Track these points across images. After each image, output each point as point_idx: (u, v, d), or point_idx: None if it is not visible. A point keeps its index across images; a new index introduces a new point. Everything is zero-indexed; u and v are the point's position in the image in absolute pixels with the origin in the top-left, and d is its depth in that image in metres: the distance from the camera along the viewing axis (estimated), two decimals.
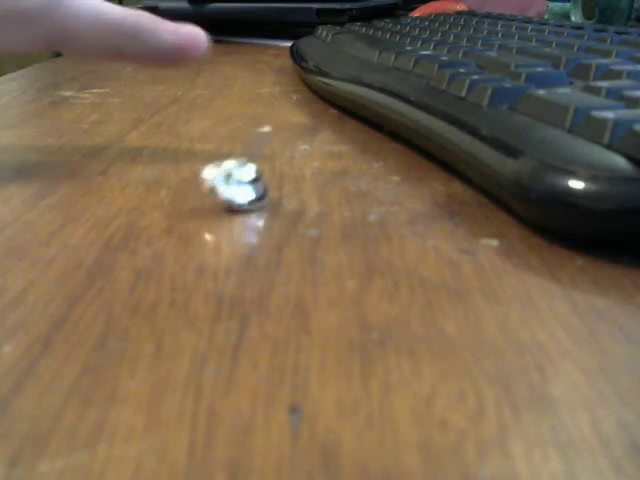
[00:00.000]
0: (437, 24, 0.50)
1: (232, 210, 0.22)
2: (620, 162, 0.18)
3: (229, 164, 0.21)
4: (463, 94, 0.26)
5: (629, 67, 0.27)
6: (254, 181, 0.22)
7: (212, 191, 0.21)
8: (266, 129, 0.23)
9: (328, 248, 0.19)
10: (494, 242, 0.20)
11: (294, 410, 0.12)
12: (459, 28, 0.47)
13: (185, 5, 0.70)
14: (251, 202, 0.22)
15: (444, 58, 0.32)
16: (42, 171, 0.26)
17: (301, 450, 0.11)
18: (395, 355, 0.14)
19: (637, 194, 0.18)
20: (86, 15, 0.27)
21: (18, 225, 0.21)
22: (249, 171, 0.21)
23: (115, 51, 0.27)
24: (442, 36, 0.42)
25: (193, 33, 0.27)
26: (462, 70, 0.29)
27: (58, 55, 0.63)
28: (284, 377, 0.13)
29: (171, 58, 0.27)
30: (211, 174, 0.21)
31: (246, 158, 0.22)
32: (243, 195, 0.21)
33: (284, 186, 0.24)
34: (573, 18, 0.61)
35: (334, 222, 0.21)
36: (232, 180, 0.21)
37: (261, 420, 0.12)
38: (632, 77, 0.26)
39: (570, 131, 0.21)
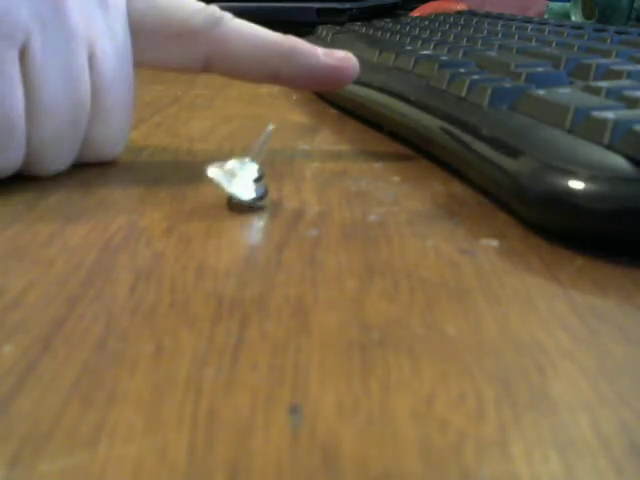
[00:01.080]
0: (437, 24, 0.50)
1: (236, 207, 0.22)
2: (620, 162, 0.18)
3: (232, 163, 0.22)
4: (463, 94, 0.26)
5: (629, 67, 0.27)
6: (258, 180, 0.22)
7: (219, 188, 0.22)
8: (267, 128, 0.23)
9: (328, 248, 0.19)
10: (494, 242, 0.20)
11: (294, 410, 0.12)
12: (459, 28, 0.47)
13: None
14: (255, 200, 0.22)
15: (444, 58, 0.32)
16: None
17: (301, 450, 0.11)
18: (395, 355, 0.14)
19: (637, 194, 0.18)
20: (245, 36, 0.27)
21: (18, 225, 0.21)
22: (253, 170, 0.22)
23: (272, 72, 0.28)
24: (442, 36, 0.42)
25: (347, 56, 0.28)
26: (462, 70, 0.29)
27: None
28: (284, 377, 0.13)
29: (327, 80, 0.28)
30: (216, 172, 0.21)
31: (249, 157, 0.22)
32: (247, 193, 0.22)
33: (284, 186, 0.24)
34: (573, 18, 0.61)
35: (334, 222, 0.21)
36: (237, 178, 0.22)
37: (261, 420, 0.12)
38: (632, 77, 0.26)
39: (570, 131, 0.21)
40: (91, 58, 0.24)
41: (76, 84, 0.23)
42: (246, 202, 0.22)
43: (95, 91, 0.24)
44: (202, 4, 0.27)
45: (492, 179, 0.22)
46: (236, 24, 0.27)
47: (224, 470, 0.11)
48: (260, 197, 0.22)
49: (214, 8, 0.27)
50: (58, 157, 0.24)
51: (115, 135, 0.26)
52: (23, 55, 0.22)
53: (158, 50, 0.27)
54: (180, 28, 0.27)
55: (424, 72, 0.32)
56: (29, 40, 0.22)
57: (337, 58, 0.28)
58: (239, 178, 0.22)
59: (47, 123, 0.23)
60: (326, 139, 0.32)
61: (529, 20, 0.51)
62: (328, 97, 0.39)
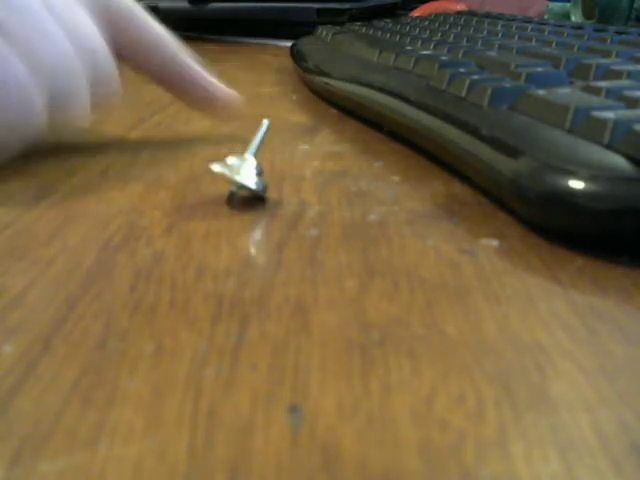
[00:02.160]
0: (437, 24, 0.50)
1: (236, 203, 0.22)
2: (620, 162, 0.18)
3: (232, 160, 0.22)
4: (463, 94, 0.26)
5: (629, 67, 0.27)
6: (258, 174, 0.22)
7: (225, 179, 0.22)
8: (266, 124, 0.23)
9: (328, 248, 0.19)
10: (494, 242, 0.20)
11: (294, 410, 0.12)
12: (459, 28, 0.47)
13: (185, 5, 0.70)
14: (262, 190, 0.22)
15: (444, 58, 0.32)
16: (42, 171, 0.26)
17: (301, 450, 0.11)
18: (395, 355, 0.14)
19: (637, 194, 0.18)
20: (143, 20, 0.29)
21: (18, 225, 0.21)
22: (252, 165, 0.22)
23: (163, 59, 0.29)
24: (442, 36, 0.42)
25: (228, 89, 0.31)
26: (462, 70, 0.29)
27: None
28: (284, 377, 0.13)
29: (204, 91, 0.30)
30: (220, 167, 0.22)
31: (247, 153, 0.22)
32: (254, 183, 0.22)
33: (284, 186, 0.24)
34: (573, 18, 0.61)
35: (334, 222, 0.21)
36: (242, 170, 0.22)
37: (261, 420, 0.12)
38: (632, 77, 0.26)
39: (570, 131, 0.21)
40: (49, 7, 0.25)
41: (58, 33, 0.25)
42: (255, 191, 0.22)
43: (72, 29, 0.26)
44: None
45: (492, 179, 0.22)
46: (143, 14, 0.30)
47: (224, 470, 0.11)
48: (264, 189, 0.23)
49: None
50: (79, 91, 0.26)
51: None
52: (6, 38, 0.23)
53: None
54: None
55: (424, 72, 0.32)
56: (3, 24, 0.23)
57: (217, 84, 0.31)
58: (243, 170, 0.22)
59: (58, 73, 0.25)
60: (326, 139, 0.32)
61: (529, 20, 0.51)
62: (328, 97, 0.39)
